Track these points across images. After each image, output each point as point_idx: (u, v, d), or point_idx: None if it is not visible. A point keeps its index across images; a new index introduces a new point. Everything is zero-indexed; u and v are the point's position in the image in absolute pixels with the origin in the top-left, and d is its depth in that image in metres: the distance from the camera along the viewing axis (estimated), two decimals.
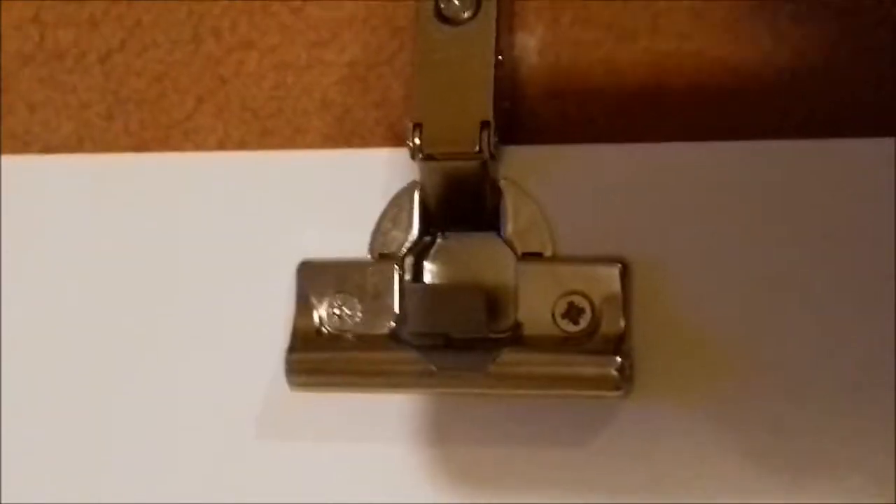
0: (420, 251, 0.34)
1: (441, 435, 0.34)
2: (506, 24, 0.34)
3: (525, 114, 0.34)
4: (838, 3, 0.33)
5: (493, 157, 0.33)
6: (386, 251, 0.34)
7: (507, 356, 0.32)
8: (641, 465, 0.33)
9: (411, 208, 0.34)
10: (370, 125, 0.36)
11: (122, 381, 0.36)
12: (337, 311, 0.34)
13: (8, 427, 0.37)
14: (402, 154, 0.34)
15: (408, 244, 0.34)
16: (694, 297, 0.32)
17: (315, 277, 0.34)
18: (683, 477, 0.32)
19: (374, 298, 0.34)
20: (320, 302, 0.34)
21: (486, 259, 0.34)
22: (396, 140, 0.35)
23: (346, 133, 0.36)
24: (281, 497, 0.35)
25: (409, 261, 0.34)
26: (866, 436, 0.31)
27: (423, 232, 0.34)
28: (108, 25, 0.37)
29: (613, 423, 0.33)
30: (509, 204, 0.34)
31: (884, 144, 0.32)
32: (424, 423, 0.34)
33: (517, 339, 0.33)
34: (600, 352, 0.32)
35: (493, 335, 0.33)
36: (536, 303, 0.33)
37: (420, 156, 0.33)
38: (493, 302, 0.33)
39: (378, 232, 0.34)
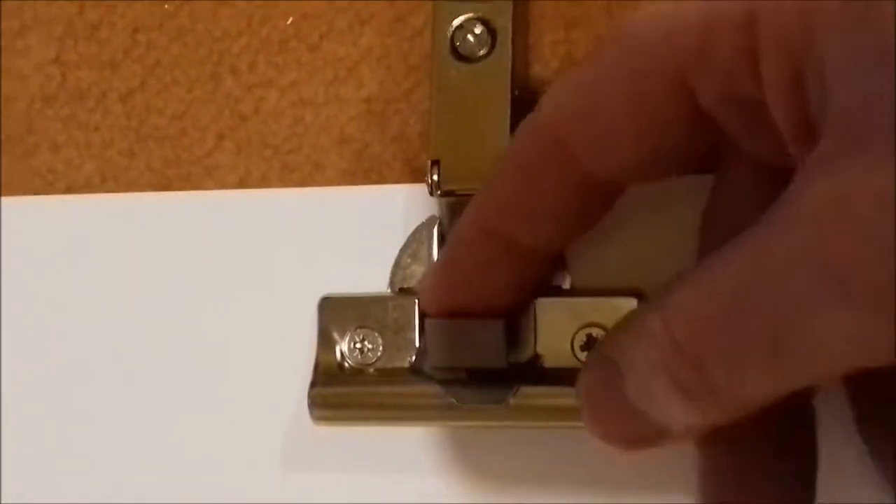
0: None
1: (462, 466, 0.35)
2: (521, 59, 0.34)
3: None
4: None
5: None
6: (406, 285, 0.35)
7: (527, 389, 0.33)
8: (664, 496, 0.33)
9: (430, 243, 0.35)
10: (388, 160, 0.36)
11: (145, 417, 0.37)
12: (358, 346, 0.35)
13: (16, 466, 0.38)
14: (420, 189, 0.34)
15: None
16: None
17: (336, 313, 0.35)
18: None
19: (396, 333, 0.34)
20: (342, 337, 0.35)
21: None
22: (414, 174, 0.36)
23: (364, 168, 0.36)
24: None
25: None
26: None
27: None
28: (129, 65, 0.38)
29: (635, 455, 0.33)
30: None
31: None
32: (446, 455, 0.35)
33: (537, 371, 0.33)
34: None
35: (512, 368, 0.33)
36: (555, 335, 0.33)
37: (438, 192, 0.34)
38: (513, 335, 0.33)
39: (398, 266, 0.35)
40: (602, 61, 0.28)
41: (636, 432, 0.27)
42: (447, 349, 0.33)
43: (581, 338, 0.33)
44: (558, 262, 0.33)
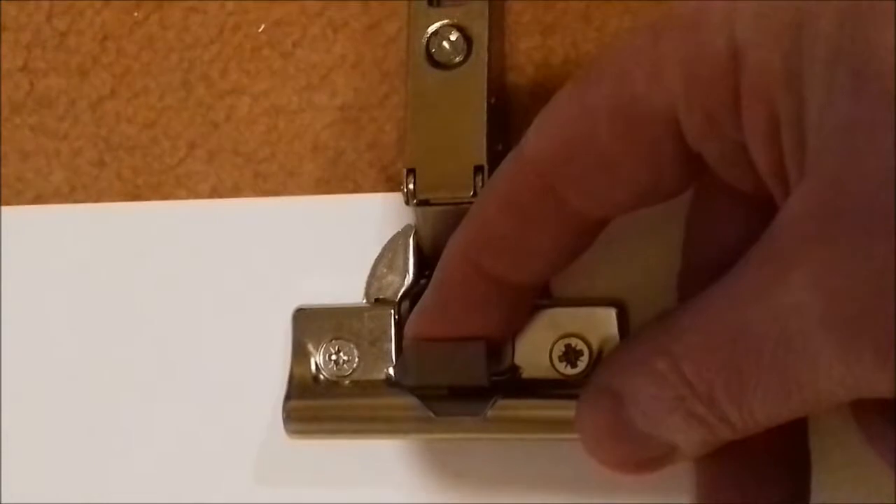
0: (416, 295, 0.34)
1: (440, 479, 0.34)
2: (497, 66, 0.34)
3: None
4: None
5: None
6: (382, 296, 0.34)
7: (505, 400, 0.32)
8: (641, 497, 0.33)
9: (406, 252, 0.34)
10: (363, 168, 0.36)
11: (120, 429, 0.36)
12: (333, 358, 0.34)
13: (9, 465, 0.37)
14: (396, 198, 0.34)
15: (404, 288, 0.34)
16: None
17: (311, 324, 0.34)
18: None
19: (371, 344, 0.34)
20: (317, 349, 0.34)
21: None
22: (389, 182, 0.35)
23: (338, 176, 0.36)
24: None
25: (405, 305, 0.34)
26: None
27: (418, 276, 0.34)
28: (99, 73, 0.37)
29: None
30: None
31: None
32: (423, 468, 0.34)
33: (515, 382, 0.33)
34: None
35: (490, 379, 0.33)
36: (534, 346, 0.33)
37: (414, 201, 0.33)
38: (491, 346, 0.33)
39: (373, 277, 0.34)
40: (588, 100, 0.28)
41: (645, 453, 0.28)
42: (428, 369, 0.32)
43: (560, 348, 0.33)
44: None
